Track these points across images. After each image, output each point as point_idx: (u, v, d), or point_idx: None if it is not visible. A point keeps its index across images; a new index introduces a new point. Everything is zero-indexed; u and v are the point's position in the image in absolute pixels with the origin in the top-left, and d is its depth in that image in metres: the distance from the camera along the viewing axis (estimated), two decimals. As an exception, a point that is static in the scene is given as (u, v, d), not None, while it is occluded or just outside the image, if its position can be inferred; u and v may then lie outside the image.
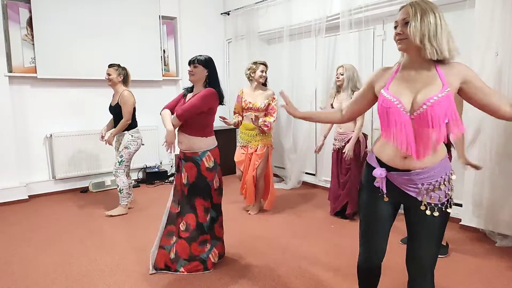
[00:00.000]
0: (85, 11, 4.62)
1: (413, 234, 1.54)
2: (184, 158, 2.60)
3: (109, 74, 3.77)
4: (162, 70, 5.32)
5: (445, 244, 2.85)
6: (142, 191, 4.80)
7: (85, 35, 4.64)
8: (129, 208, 3.99)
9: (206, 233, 2.61)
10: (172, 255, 2.60)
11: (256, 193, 3.79)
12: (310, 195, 4.54)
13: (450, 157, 2.69)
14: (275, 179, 5.23)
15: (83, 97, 4.83)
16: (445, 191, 1.47)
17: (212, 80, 2.61)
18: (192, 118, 2.52)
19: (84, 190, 4.80)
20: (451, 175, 1.49)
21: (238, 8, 5.40)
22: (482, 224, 3.14)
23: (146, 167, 5.23)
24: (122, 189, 3.82)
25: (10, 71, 4.28)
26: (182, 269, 2.59)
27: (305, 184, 4.97)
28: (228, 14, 5.67)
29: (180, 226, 2.59)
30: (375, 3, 3.78)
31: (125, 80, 3.86)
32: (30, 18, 4.32)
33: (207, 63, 2.60)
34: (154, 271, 2.61)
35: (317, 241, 3.13)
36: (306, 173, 4.99)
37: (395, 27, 1.50)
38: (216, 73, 2.66)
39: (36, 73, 4.39)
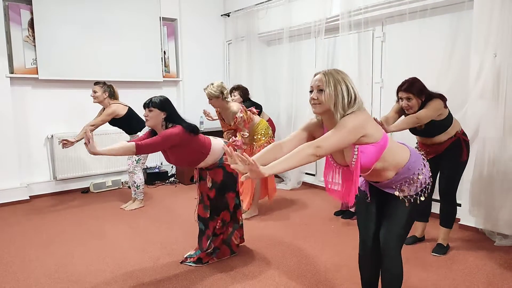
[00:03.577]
0: (86, 12, 4.64)
1: (386, 218, 1.83)
2: (207, 168, 2.71)
3: (94, 92, 3.87)
4: (162, 71, 5.34)
5: (445, 245, 2.87)
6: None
7: (86, 37, 4.66)
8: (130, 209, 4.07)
9: (232, 219, 2.81)
10: (210, 250, 2.74)
11: (253, 196, 3.78)
12: (310, 195, 4.56)
13: (466, 155, 2.75)
14: (275, 179, 5.25)
15: (84, 98, 4.81)
16: (416, 185, 1.76)
17: (173, 119, 2.49)
18: (152, 152, 2.46)
19: (85, 190, 4.82)
20: (418, 175, 1.76)
21: (238, 10, 5.43)
22: (481, 224, 3.15)
23: (147, 167, 5.24)
24: (139, 185, 4.11)
25: (11, 72, 4.30)
26: (214, 258, 2.76)
27: (305, 184, 4.99)
28: (228, 15, 5.69)
29: (217, 225, 2.73)
30: (374, 4, 3.81)
31: (112, 96, 3.97)
32: (32, 19, 4.34)
33: (163, 105, 2.47)
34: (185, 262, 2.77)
35: (317, 241, 3.15)
36: (306, 173, 5.01)
37: (311, 91, 1.68)
38: (175, 111, 2.53)
39: (37, 74, 4.41)
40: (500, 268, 2.60)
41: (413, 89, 2.61)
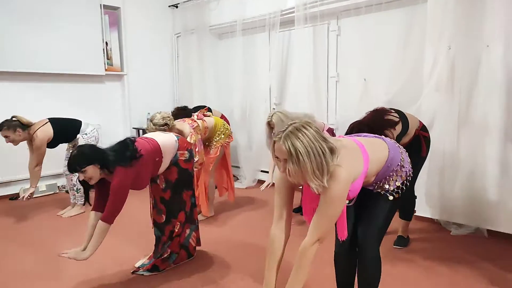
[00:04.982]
0: (15, -5, 4.10)
1: (365, 214, 1.73)
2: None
3: (6, 137, 3.31)
4: (104, 64, 4.88)
5: (405, 237, 2.87)
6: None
7: (18, 24, 4.12)
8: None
9: (188, 220, 2.57)
10: (166, 255, 2.48)
11: (207, 197, 3.53)
12: (267, 193, 4.38)
13: (425, 151, 2.72)
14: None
15: (14, 92, 4.29)
16: (396, 180, 1.68)
17: (107, 162, 2.11)
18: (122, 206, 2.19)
19: (14, 197, 4.25)
20: (397, 171, 1.68)
21: (188, 0, 5.14)
22: (437, 214, 3.21)
23: (88, 169, 4.77)
24: (80, 189, 3.64)
25: None
26: (171, 264, 2.51)
27: (260, 182, 4.83)
28: (177, 6, 5.37)
29: (175, 228, 2.47)
30: (330, -3, 3.76)
31: (25, 126, 3.35)
32: None
33: (90, 158, 2.08)
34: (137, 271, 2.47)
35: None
36: (262, 171, 4.85)
37: (276, 157, 1.47)
38: (102, 152, 2.14)
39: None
40: (459, 256, 2.63)
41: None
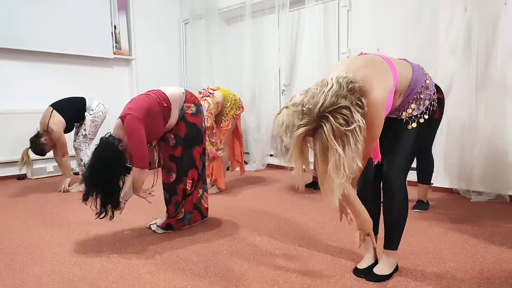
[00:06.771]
0: (24, -27, 4.12)
1: (390, 146, 1.65)
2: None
3: (48, 147, 3.47)
4: (113, 47, 4.88)
5: (425, 202, 2.78)
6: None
7: (26, 3, 4.12)
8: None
9: (201, 178, 2.49)
10: (180, 216, 2.40)
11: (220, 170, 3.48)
12: (277, 174, 4.33)
13: (438, 113, 2.58)
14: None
15: (23, 71, 4.28)
16: (419, 104, 1.61)
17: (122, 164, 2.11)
18: (146, 147, 2.20)
19: (22, 177, 4.20)
20: (421, 93, 1.61)
21: (196, -15, 5.15)
22: (455, 183, 3.12)
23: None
24: (87, 164, 3.52)
25: None
26: (186, 225, 2.44)
27: (270, 166, 4.76)
28: (185, -8, 5.38)
29: (187, 186, 2.39)
30: (341, -29, 3.74)
31: (40, 134, 3.42)
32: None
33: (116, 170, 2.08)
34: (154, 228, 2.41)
35: (293, 206, 2.91)
36: (271, 155, 4.78)
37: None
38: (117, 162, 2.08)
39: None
40: (481, 218, 2.53)
41: None
